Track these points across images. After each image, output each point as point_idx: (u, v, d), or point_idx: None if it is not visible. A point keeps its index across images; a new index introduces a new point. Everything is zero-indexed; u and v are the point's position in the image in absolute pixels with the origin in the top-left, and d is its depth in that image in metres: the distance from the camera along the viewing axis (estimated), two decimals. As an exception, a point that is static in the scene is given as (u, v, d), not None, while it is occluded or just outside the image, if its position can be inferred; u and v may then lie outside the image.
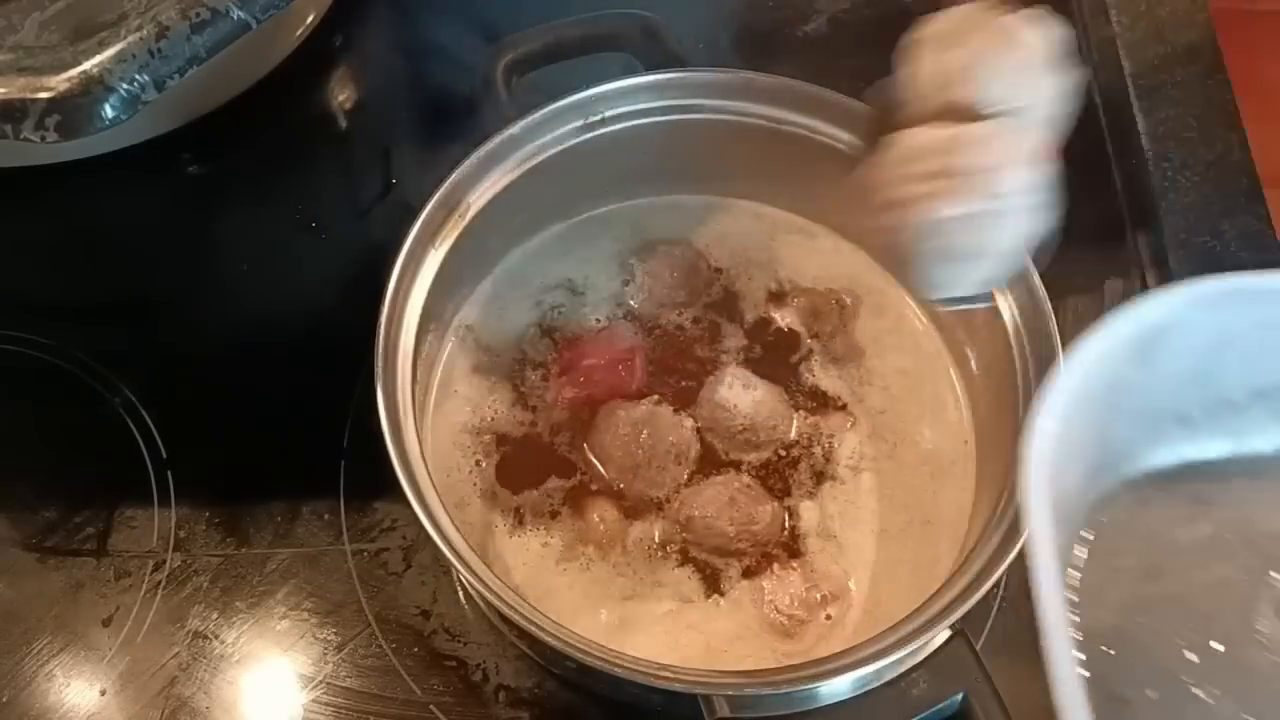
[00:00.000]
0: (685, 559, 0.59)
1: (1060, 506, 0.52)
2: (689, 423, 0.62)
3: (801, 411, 0.63)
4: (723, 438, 0.62)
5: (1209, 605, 0.60)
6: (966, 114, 0.45)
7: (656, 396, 0.62)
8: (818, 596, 0.58)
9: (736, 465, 0.61)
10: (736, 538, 0.58)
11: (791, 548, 0.59)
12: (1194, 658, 0.58)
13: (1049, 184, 0.45)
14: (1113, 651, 0.58)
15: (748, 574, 0.58)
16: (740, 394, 0.61)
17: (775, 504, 0.60)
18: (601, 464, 0.61)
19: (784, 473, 0.61)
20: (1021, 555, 0.51)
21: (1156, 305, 0.56)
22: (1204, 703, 0.57)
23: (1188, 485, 0.63)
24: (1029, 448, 0.52)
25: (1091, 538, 0.61)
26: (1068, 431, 0.53)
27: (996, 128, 0.44)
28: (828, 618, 0.58)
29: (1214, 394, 0.61)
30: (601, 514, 0.59)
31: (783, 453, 0.62)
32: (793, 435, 0.62)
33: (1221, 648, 0.57)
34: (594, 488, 0.60)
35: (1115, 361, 0.55)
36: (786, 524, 0.60)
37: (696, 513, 0.59)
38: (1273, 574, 0.58)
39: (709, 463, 0.61)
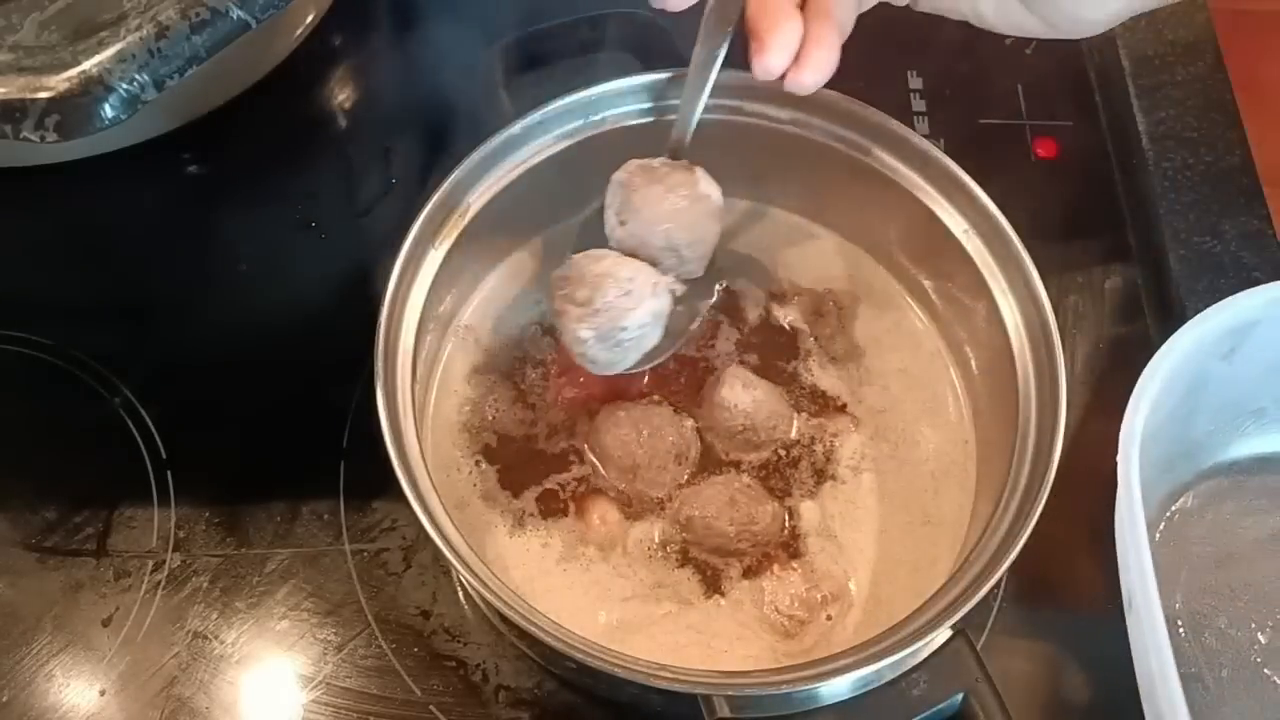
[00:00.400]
0: (685, 559, 0.59)
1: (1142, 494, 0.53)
2: (689, 423, 0.62)
3: (803, 413, 0.63)
4: (723, 438, 0.61)
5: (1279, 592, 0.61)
6: (632, 249, 0.57)
7: (656, 396, 0.62)
8: (818, 596, 0.58)
9: (737, 465, 0.61)
10: (737, 538, 0.58)
11: (792, 548, 0.59)
12: (1264, 639, 0.59)
13: (666, 311, 0.57)
14: (1184, 632, 0.59)
15: (748, 574, 0.58)
16: (740, 394, 0.61)
17: (775, 504, 0.60)
18: (601, 464, 0.61)
19: (784, 473, 0.61)
20: (1021, 556, 0.51)
21: (1246, 300, 0.58)
22: (1274, 683, 0.58)
23: (1258, 478, 0.65)
24: (1127, 437, 0.53)
25: (1163, 526, 0.63)
26: (1154, 421, 0.54)
27: (637, 270, 0.55)
28: (828, 618, 0.58)
29: (1290, 388, 0.62)
30: (602, 514, 0.59)
31: (783, 453, 0.62)
32: (793, 435, 0.62)
33: None
34: (594, 488, 0.60)
35: (1204, 354, 0.58)
36: (787, 524, 0.60)
37: (697, 513, 0.59)
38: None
39: (709, 463, 0.61)
